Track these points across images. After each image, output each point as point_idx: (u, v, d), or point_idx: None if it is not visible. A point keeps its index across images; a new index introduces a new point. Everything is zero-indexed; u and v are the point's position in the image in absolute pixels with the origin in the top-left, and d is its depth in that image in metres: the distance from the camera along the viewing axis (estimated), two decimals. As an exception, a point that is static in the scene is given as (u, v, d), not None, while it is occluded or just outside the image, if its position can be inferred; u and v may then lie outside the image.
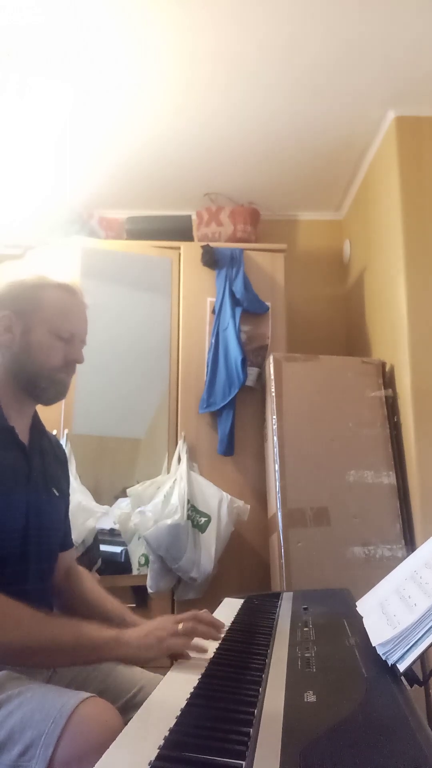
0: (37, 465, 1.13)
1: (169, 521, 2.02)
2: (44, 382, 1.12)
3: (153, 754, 0.56)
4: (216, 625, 0.96)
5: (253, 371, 2.36)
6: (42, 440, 1.19)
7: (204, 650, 0.90)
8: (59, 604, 1.20)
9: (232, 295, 2.42)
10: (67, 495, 1.26)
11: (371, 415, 2.17)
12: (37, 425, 1.19)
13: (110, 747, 0.59)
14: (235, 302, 2.41)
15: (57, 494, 1.16)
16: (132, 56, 1.96)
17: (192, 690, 0.73)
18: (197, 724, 0.63)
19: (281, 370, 2.22)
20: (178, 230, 2.62)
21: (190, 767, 0.54)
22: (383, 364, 2.30)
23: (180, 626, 0.91)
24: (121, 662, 0.91)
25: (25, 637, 0.87)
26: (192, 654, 0.90)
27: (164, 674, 0.83)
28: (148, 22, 1.81)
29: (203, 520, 2.11)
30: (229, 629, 1.04)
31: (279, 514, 2.01)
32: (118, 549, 2.23)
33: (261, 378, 2.37)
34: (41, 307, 1.12)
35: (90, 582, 1.25)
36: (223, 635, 0.97)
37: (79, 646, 0.88)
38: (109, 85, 2.09)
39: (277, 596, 1.29)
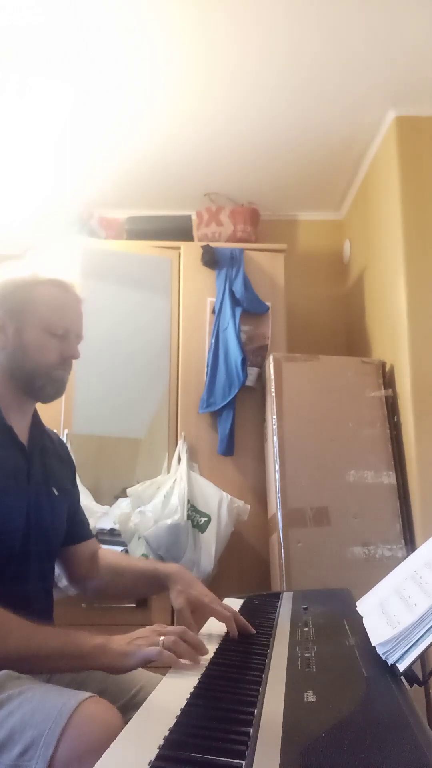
0: (37, 464, 1.13)
1: (169, 521, 2.02)
2: (41, 381, 1.11)
3: (153, 754, 0.56)
4: (199, 648, 0.89)
5: (253, 371, 2.36)
6: (43, 439, 1.19)
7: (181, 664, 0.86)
8: (92, 587, 1.23)
9: (232, 295, 2.42)
10: (71, 492, 1.26)
11: (371, 415, 2.17)
12: (37, 424, 1.18)
13: (110, 747, 0.59)
14: (235, 302, 2.41)
15: (57, 494, 1.16)
16: (132, 56, 1.96)
17: (192, 690, 0.73)
18: (197, 724, 0.63)
19: (281, 370, 2.22)
20: (178, 230, 2.62)
21: (190, 767, 0.54)
22: (383, 364, 2.30)
23: (162, 639, 0.86)
24: (104, 671, 0.88)
25: (14, 646, 0.87)
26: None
27: (164, 674, 0.83)
28: (148, 22, 1.81)
29: (203, 520, 2.11)
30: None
31: (279, 514, 2.01)
32: (118, 549, 2.23)
33: (261, 378, 2.37)
34: (33, 306, 1.11)
35: (114, 555, 1.29)
36: (208, 655, 0.92)
37: (66, 654, 0.88)
38: (109, 85, 2.09)
39: (277, 596, 1.29)
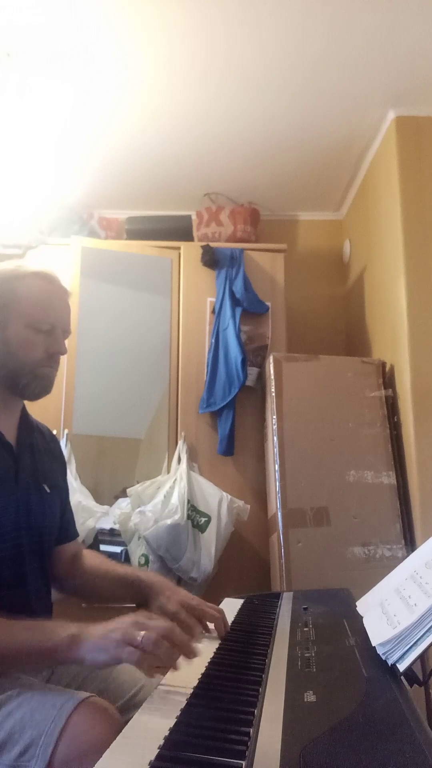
0: (26, 464, 1.10)
1: (169, 521, 2.02)
2: (27, 378, 1.06)
3: (153, 754, 0.56)
4: (185, 649, 0.79)
5: (253, 371, 2.36)
6: (32, 436, 1.16)
7: (173, 667, 0.78)
8: (70, 587, 1.21)
9: (232, 295, 2.42)
10: (64, 488, 1.24)
11: (371, 415, 2.17)
12: (25, 421, 1.15)
13: (110, 747, 0.59)
14: (235, 302, 2.41)
15: (49, 491, 1.14)
16: (132, 56, 1.96)
17: (192, 690, 0.73)
18: (197, 724, 0.63)
19: (281, 370, 2.22)
20: (178, 230, 2.62)
21: (190, 767, 0.54)
22: (383, 364, 2.30)
23: (141, 635, 0.76)
24: (76, 664, 0.80)
25: None
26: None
27: (165, 674, 0.83)
28: (148, 22, 1.81)
29: (203, 520, 2.11)
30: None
31: (279, 514, 2.01)
32: (118, 549, 2.23)
33: (261, 378, 2.37)
34: (17, 300, 1.06)
35: (97, 557, 1.25)
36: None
37: (36, 649, 0.81)
38: (108, 86, 2.09)
39: (277, 596, 1.29)
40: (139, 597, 1.12)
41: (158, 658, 0.75)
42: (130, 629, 0.77)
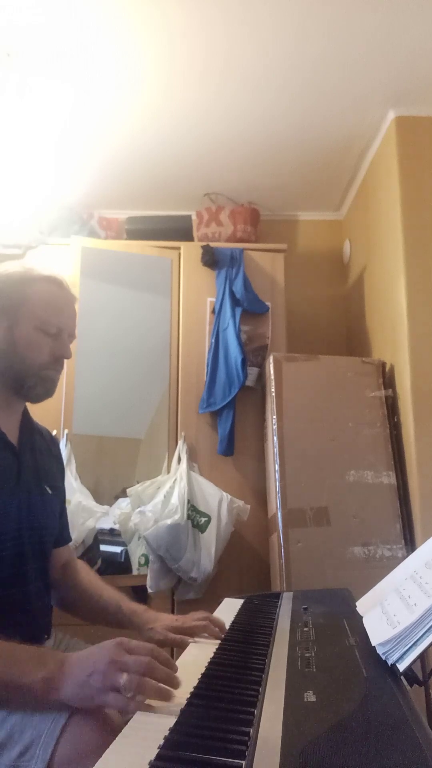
0: (27, 464, 1.11)
1: (169, 521, 2.02)
2: (32, 380, 1.08)
3: (153, 754, 0.56)
4: (169, 680, 0.74)
5: (253, 371, 2.36)
6: (33, 437, 1.17)
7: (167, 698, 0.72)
8: (57, 597, 1.20)
9: (232, 295, 2.42)
10: (62, 490, 1.24)
11: (371, 415, 2.17)
12: (27, 422, 1.16)
13: (110, 747, 0.59)
14: (235, 302, 2.41)
15: (50, 492, 1.15)
16: (132, 56, 1.95)
17: (192, 690, 0.73)
18: (197, 724, 0.63)
19: (281, 370, 2.22)
20: (178, 230, 2.62)
21: (190, 767, 0.54)
22: (383, 364, 2.30)
23: (124, 679, 0.71)
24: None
25: None
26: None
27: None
28: (148, 22, 1.81)
29: (203, 520, 2.11)
30: (229, 629, 1.05)
31: (279, 514, 2.01)
32: (118, 549, 2.23)
33: (261, 378, 2.37)
34: (27, 302, 1.08)
35: (87, 573, 1.25)
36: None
37: (11, 684, 0.77)
38: (108, 86, 2.09)
39: (277, 596, 1.29)
40: (119, 625, 1.14)
41: (147, 694, 0.71)
42: (111, 672, 0.72)
